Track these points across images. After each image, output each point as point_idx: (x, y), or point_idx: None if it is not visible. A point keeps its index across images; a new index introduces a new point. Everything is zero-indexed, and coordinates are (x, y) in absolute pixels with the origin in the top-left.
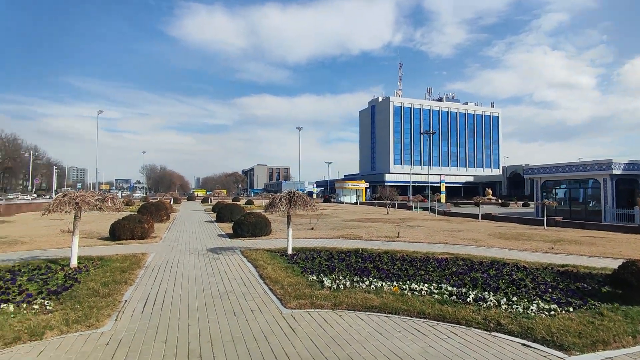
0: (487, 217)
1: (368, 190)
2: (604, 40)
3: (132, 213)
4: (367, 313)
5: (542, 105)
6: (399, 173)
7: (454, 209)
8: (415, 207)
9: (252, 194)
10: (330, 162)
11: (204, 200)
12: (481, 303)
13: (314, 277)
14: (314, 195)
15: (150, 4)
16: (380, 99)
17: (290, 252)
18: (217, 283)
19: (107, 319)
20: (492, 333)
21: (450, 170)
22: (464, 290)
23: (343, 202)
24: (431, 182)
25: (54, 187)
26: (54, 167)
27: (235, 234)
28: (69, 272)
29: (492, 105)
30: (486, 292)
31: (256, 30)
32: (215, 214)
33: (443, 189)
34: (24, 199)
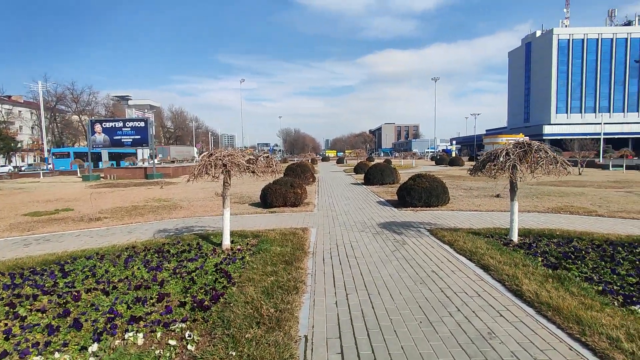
0: None
1: None
2: None
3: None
4: None
5: None
6: (563, 124)
7: None
8: (620, 166)
9: (382, 154)
10: (479, 114)
11: (339, 161)
12: None
13: None
14: (453, 154)
15: None
16: (538, 34)
17: (515, 238)
18: (446, 305)
19: None
20: None
21: None
22: None
23: None
24: (611, 134)
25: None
26: (210, 133)
27: (402, 203)
28: (221, 258)
29: None
30: None
31: None
32: (360, 176)
33: None
34: (189, 163)
